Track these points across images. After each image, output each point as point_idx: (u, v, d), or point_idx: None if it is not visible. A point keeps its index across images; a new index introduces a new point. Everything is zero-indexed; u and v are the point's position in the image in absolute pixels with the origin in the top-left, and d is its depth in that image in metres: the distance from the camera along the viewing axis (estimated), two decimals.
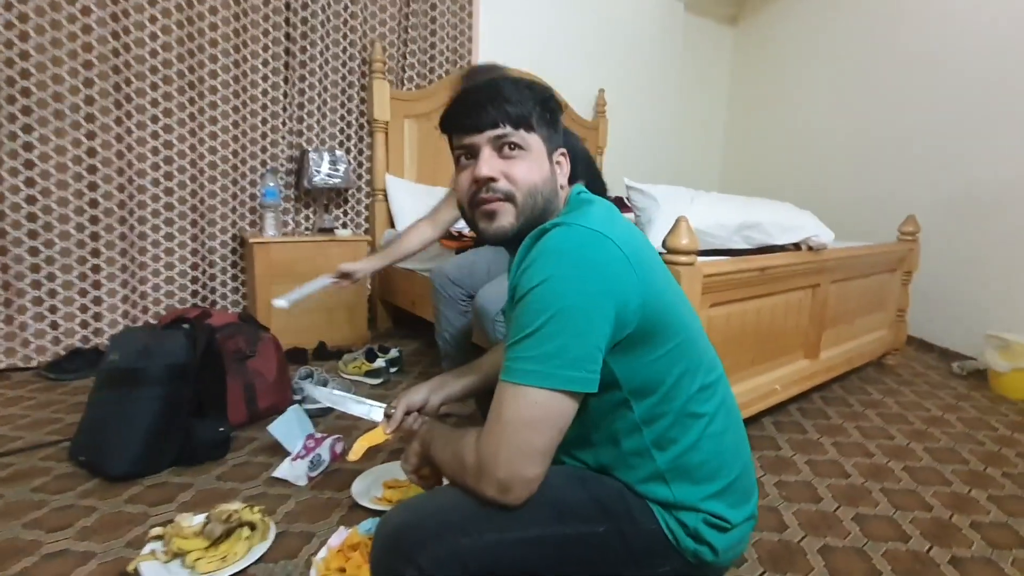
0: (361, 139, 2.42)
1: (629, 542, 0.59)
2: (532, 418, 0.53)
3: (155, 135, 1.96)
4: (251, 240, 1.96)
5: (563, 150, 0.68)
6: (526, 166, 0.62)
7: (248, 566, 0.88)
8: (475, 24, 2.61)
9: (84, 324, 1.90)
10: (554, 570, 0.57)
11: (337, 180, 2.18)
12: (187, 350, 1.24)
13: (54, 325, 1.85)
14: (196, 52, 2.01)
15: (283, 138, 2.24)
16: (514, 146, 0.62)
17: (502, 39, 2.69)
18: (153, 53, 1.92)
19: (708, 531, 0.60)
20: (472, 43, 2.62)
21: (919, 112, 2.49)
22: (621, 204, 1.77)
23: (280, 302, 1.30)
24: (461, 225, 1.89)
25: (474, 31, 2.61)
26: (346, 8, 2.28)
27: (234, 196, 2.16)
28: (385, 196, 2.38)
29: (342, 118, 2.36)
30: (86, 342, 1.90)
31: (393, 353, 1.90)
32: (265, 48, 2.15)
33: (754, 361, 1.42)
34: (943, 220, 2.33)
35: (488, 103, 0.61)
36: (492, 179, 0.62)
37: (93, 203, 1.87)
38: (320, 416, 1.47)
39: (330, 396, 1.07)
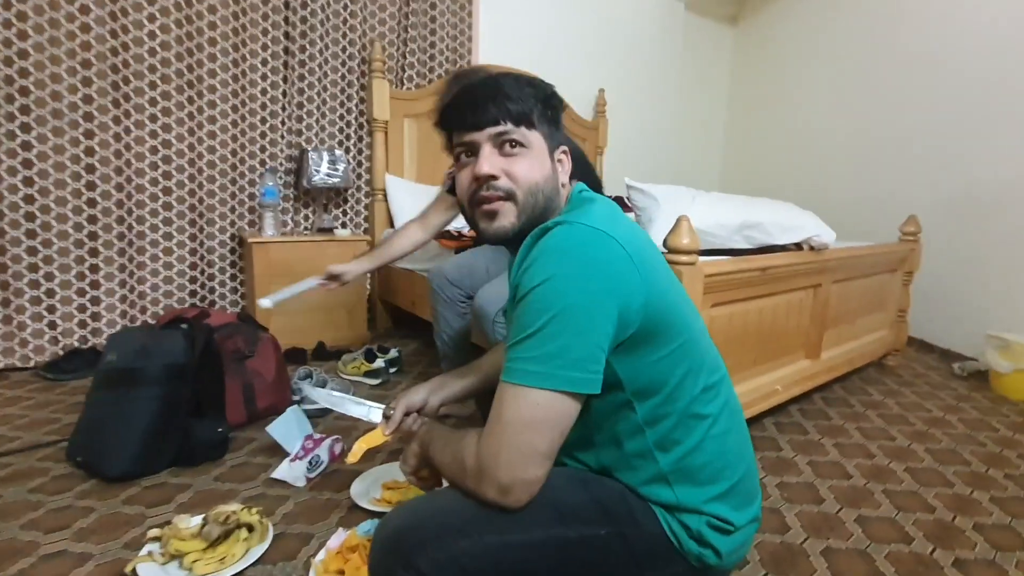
0: (360, 139, 2.41)
1: (631, 545, 0.59)
2: (534, 419, 0.52)
3: (154, 134, 1.96)
4: (250, 240, 1.95)
5: (564, 148, 0.67)
6: (527, 164, 0.62)
7: (246, 568, 0.88)
8: (475, 24, 2.61)
9: (82, 324, 1.89)
10: (555, 573, 0.57)
11: (336, 180, 2.17)
12: (185, 350, 1.23)
13: (52, 325, 1.84)
14: (195, 51, 2.00)
15: (282, 137, 2.23)
16: (515, 143, 0.61)
17: (502, 39, 2.68)
18: (152, 52, 1.92)
19: (712, 534, 0.59)
20: (472, 43, 2.61)
21: (919, 112, 2.49)
22: (621, 204, 1.76)
23: (265, 301, 1.29)
24: (460, 225, 1.89)
25: (474, 31, 2.61)
26: (345, 7, 2.28)
27: (233, 196, 2.16)
28: (385, 196, 2.38)
29: (341, 117, 2.36)
30: (84, 342, 1.89)
31: (392, 353, 1.90)
32: (264, 47, 2.14)
33: (755, 361, 1.42)
34: (943, 220, 2.33)
35: (489, 100, 0.60)
36: (493, 177, 0.61)
37: (91, 202, 1.86)
38: (319, 417, 1.47)
39: (328, 397, 1.07)
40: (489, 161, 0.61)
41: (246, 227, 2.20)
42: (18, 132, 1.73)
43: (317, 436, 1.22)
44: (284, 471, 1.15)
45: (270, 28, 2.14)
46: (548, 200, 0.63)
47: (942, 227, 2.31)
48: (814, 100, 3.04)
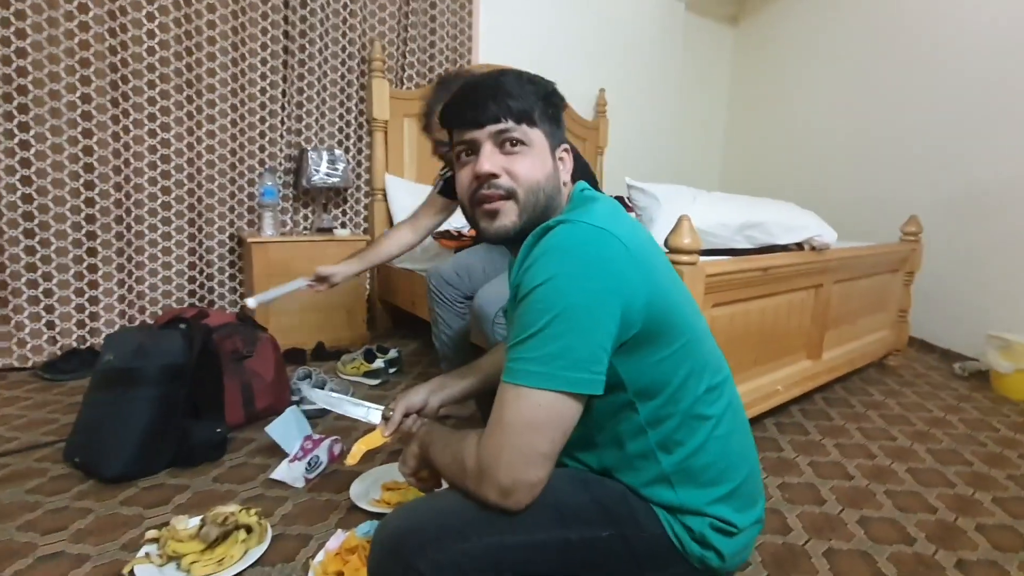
0: (360, 138, 2.41)
1: (633, 547, 0.58)
2: (535, 420, 0.52)
3: (152, 134, 1.95)
4: (249, 240, 1.95)
5: (566, 146, 0.67)
6: (528, 162, 0.61)
7: (244, 569, 0.87)
8: (475, 23, 2.60)
9: (80, 324, 1.88)
10: (556, 575, 0.56)
11: (336, 179, 2.16)
12: (183, 350, 1.22)
13: (50, 325, 1.83)
14: (194, 50, 1.99)
15: (281, 137, 2.23)
16: (516, 142, 0.61)
17: (502, 39, 2.68)
18: (150, 51, 1.91)
19: (714, 536, 0.59)
20: (472, 42, 2.61)
21: (919, 112, 2.49)
22: (622, 204, 1.75)
23: (251, 301, 1.28)
24: (460, 225, 1.88)
25: (474, 30, 2.61)
26: (345, 7, 2.27)
27: (232, 195, 2.15)
28: (384, 196, 2.37)
29: (341, 117, 2.35)
30: (83, 342, 1.89)
31: (392, 354, 1.89)
32: (264, 47, 2.13)
33: (756, 361, 1.41)
34: (944, 220, 2.32)
35: (490, 97, 0.60)
36: (494, 175, 0.60)
37: (90, 202, 1.85)
38: (318, 417, 1.46)
39: (327, 398, 1.06)
40: (490, 159, 0.60)
41: (245, 227, 2.19)
42: (16, 131, 1.72)
43: (316, 437, 1.22)
44: (283, 472, 1.15)
45: (269, 27, 2.13)
46: (549, 199, 0.63)
47: (943, 227, 2.31)
48: (814, 100, 3.03)
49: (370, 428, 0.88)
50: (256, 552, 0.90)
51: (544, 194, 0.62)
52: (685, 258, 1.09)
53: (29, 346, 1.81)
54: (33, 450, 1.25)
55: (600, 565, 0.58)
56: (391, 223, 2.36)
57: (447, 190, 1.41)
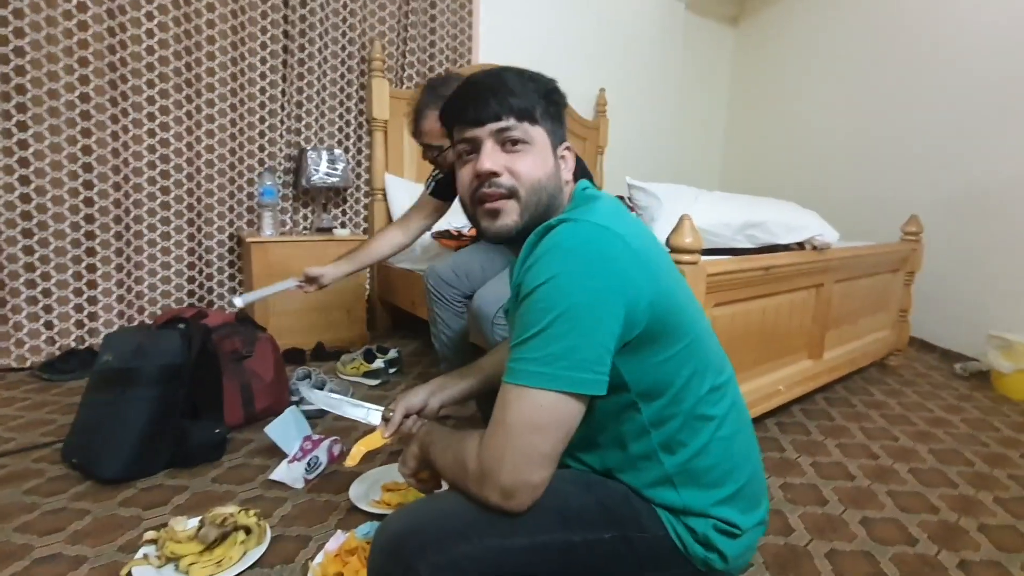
0: (360, 138, 2.40)
1: (636, 548, 0.58)
2: (538, 422, 0.51)
3: (151, 133, 1.94)
4: (248, 240, 1.94)
5: (568, 144, 0.66)
6: (530, 160, 0.60)
7: (243, 571, 0.87)
8: (475, 23, 2.60)
9: (79, 324, 1.87)
10: None
11: (336, 179, 2.16)
12: (182, 350, 1.22)
13: (49, 325, 1.83)
14: (193, 50, 1.99)
15: (281, 136, 2.22)
16: (517, 140, 0.60)
17: (502, 39, 2.67)
18: (149, 50, 1.90)
19: (718, 537, 0.58)
20: (472, 42, 2.60)
21: (920, 112, 2.49)
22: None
23: (238, 300, 1.27)
24: (461, 224, 1.88)
25: (474, 30, 2.60)
26: (345, 6, 2.27)
27: (231, 195, 2.14)
28: (384, 195, 2.37)
29: (341, 117, 2.35)
30: (81, 342, 1.88)
31: (392, 354, 1.89)
32: (263, 46, 2.13)
33: (758, 361, 1.41)
34: (944, 220, 2.32)
35: (491, 95, 0.59)
36: (495, 174, 0.60)
37: (88, 201, 1.85)
38: (318, 418, 1.45)
39: (327, 399, 1.05)
40: (491, 158, 0.60)
41: (244, 227, 2.19)
42: (14, 130, 1.72)
43: (316, 437, 1.21)
44: (282, 473, 1.14)
45: (269, 27, 2.13)
46: (551, 198, 0.62)
47: (943, 227, 2.31)
48: (814, 100, 3.03)
49: (370, 429, 0.87)
50: (255, 553, 0.89)
51: (546, 193, 0.61)
52: (687, 257, 1.08)
53: (27, 346, 1.80)
54: (31, 451, 1.24)
55: (602, 567, 0.57)
56: (391, 223, 2.35)
57: (439, 191, 1.40)
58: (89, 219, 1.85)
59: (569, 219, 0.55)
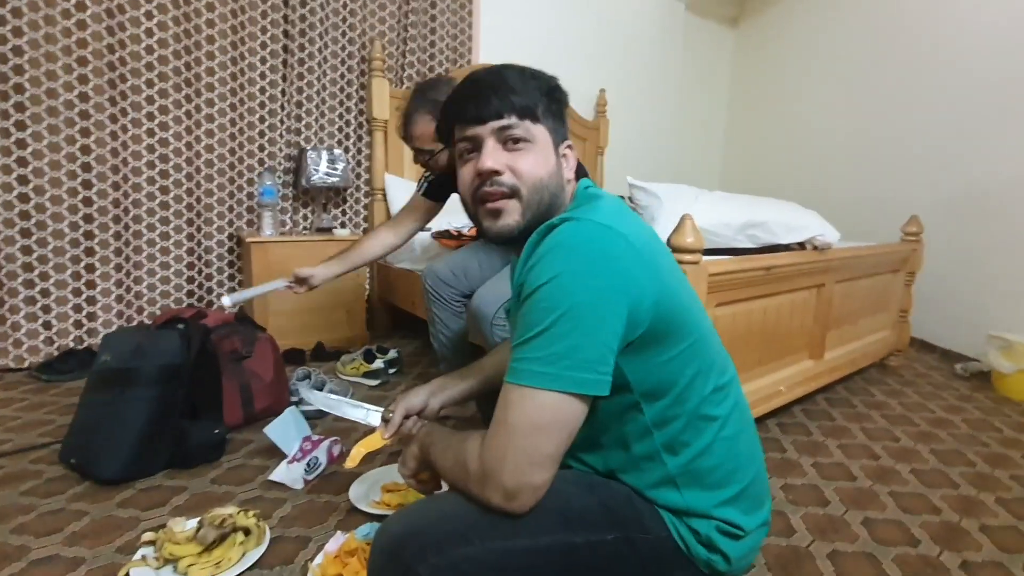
0: (360, 138, 2.40)
1: (639, 550, 0.57)
2: (541, 422, 0.51)
3: (151, 133, 1.94)
4: (248, 240, 1.93)
5: (569, 142, 0.66)
6: (532, 159, 0.60)
7: (242, 572, 0.86)
8: (475, 23, 2.60)
9: (78, 324, 1.87)
10: None
11: (336, 179, 2.15)
12: (181, 350, 1.21)
13: (47, 325, 1.82)
14: (192, 49, 1.98)
15: (281, 136, 2.22)
16: (519, 138, 0.60)
17: (502, 39, 2.67)
18: (149, 50, 1.90)
19: (721, 539, 0.58)
20: (472, 42, 2.60)
21: (920, 112, 2.49)
22: None
23: (226, 300, 1.26)
24: (461, 224, 1.87)
25: (474, 30, 2.60)
26: (345, 6, 2.26)
27: (231, 195, 2.14)
28: (384, 196, 2.36)
29: (341, 116, 2.34)
30: (80, 343, 1.87)
31: (392, 354, 1.88)
32: (263, 45, 2.12)
33: (759, 362, 1.40)
34: (945, 220, 2.32)
35: (492, 92, 0.59)
36: (496, 172, 0.59)
37: (87, 201, 1.84)
38: (317, 418, 1.45)
39: (326, 400, 1.05)
40: (493, 156, 0.59)
41: (244, 227, 2.18)
42: (13, 129, 1.71)
43: (315, 438, 1.21)
44: (282, 473, 1.14)
45: (269, 26, 2.12)
46: (553, 196, 0.62)
47: (944, 227, 2.30)
48: (814, 101, 3.03)
49: (370, 430, 0.87)
50: (254, 554, 0.89)
51: (548, 192, 0.61)
52: (688, 257, 1.08)
53: (25, 347, 1.79)
54: (28, 452, 1.24)
55: (605, 569, 0.57)
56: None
57: (431, 192, 1.40)
58: (88, 219, 1.84)
59: (571, 218, 0.54)
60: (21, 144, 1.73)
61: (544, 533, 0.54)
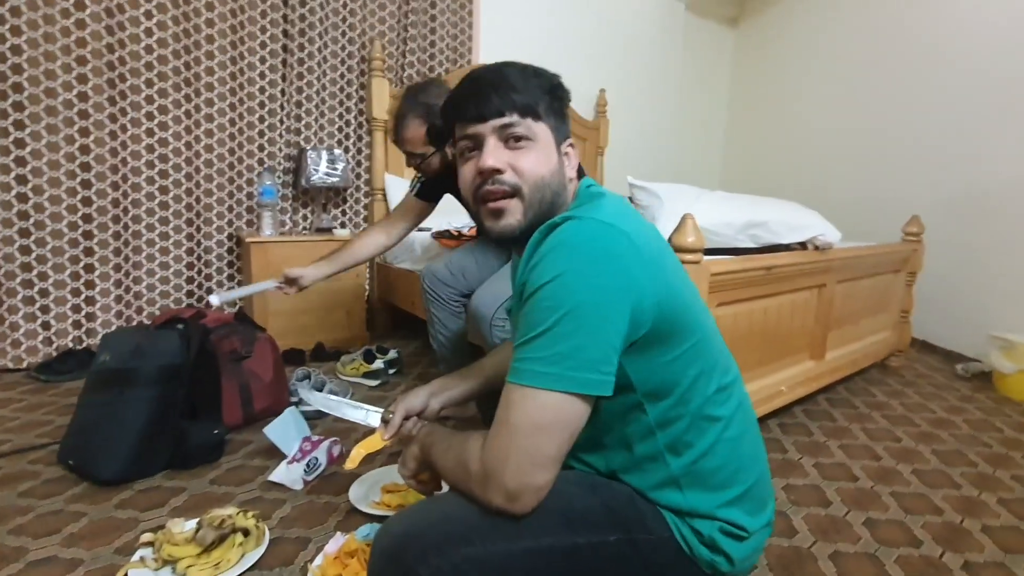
0: (360, 138, 2.39)
1: (641, 551, 0.57)
2: (543, 423, 0.50)
3: (150, 132, 1.93)
4: (248, 240, 1.93)
5: (571, 141, 0.65)
6: (533, 157, 0.60)
7: (242, 573, 0.85)
8: (475, 23, 2.60)
9: (77, 324, 1.86)
10: None
11: (335, 179, 2.15)
12: (180, 350, 1.21)
13: (46, 325, 1.81)
14: (192, 49, 1.98)
15: (281, 136, 2.21)
16: (521, 136, 0.59)
17: (502, 39, 2.67)
18: (148, 49, 1.89)
19: (724, 540, 0.57)
20: (472, 42, 2.60)
21: (920, 112, 2.48)
22: None
23: (214, 299, 1.26)
24: (461, 224, 1.87)
25: (474, 30, 2.60)
26: (345, 6, 2.26)
27: (231, 195, 2.13)
28: (384, 196, 2.36)
29: (341, 116, 2.34)
30: (79, 343, 1.87)
31: (392, 354, 1.88)
32: (263, 45, 2.12)
33: (760, 362, 1.40)
34: (946, 220, 2.32)
35: (493, 90, 0.58)
36: (498, 171, 0.59)
37: (87, 201, 1.84)
38: (317, 418, 1.44)
39: (325, 401, 1.04)
40: (494, 155, 0.59)
41: (244, 227, 2.18)
42: (11, 129, 1.71)
43: (315, 438, 1.20)
44: (281, 474, 1.13)
45: (268, 26, 2.12)
46: (555, 195, 0.61)
47: (944, 227, 2.30)
48: (814, 101, 3.03)
49: (369, 431, 0.86)
50: (253, 556, 0.88)
51: (550, 190, 0.61)
52: (689, 257, 1.07)
53: (24, 347, 1.79)
54: (27, 452, 1.23)
55: (607, 570, 0.56)
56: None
57: (424, 192, 1.39)
58: (87, 219, 1.84)
59: (574, 216, 0.54)
60: (20, 144, 1.72)
61: (546, 534, 0.54)
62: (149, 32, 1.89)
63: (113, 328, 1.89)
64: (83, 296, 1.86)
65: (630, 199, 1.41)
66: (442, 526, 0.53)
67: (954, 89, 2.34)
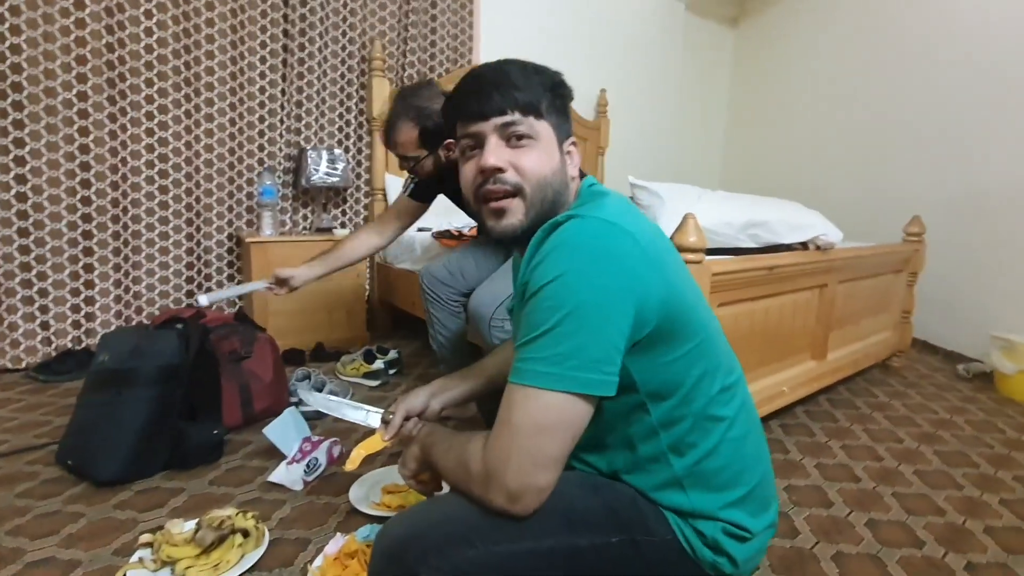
0: (360, 138, 2.39)
1: (644, 552, 0.56)
2: (545, 423, 0.50)
3: (150, 132, 1.93)
4: (248, 240, 1.92)
5: (573, 139, 0.65)
6: (535, 156, 0.59)
7: (241, 574, 0.85)
8: (475, 23, 2.59)
9: (76, 324, 1.86)
10: None
11: (336, 179, 2.15)
12: (179, 350, 1.20)
13: (45, 325, 1.81)
14: (192, 48, 1.98)
15: (281, 136, 2.21)
16: (522, 135, 0.59)
17: (502, 39, 2.67)
18: (148, 49, 1.89)
19: (727, 541, 0.57)
20: (472, 42, 2.60)
21: (921, 112, 2.48)
22: None
23: (202, 299, 1.26)
24: (461, 224, 1.86)
25: (474, 30, 2.60)
26: (345, 6, 2.26)
27: (231, 195, 2.13)
28: (384, 196, 2.35)
29: (341, 116, 2.34)
30: (78, 343, 1.86)
31: (392, 354, 1.87)
32: (263, 45, 2.12)
33: (762, 362, 1.40)
34: (946, 220, 2.31)
35: (495, 89, 0.58)
36: (499, 169, 0.58)
37: (86, 201, 1.83)
38: (317, 419, 1.44)
39: (325, 402, 1.04)
40: (495, 153, 0.58)
41: (244, 227, 2.17)
42: (11, 129, 1.70)
43: (315, 438, 1.20)
44: (281, 474, 1.13)
45: (269, 25, 2.12)
46: (557, 194, 0.61)
47: (945, 227, 2.30)
48: (815, 101, 3.03)
49: (370, 432, 0.86)
50: (253, 557, 0.88)
51: (552, 189, 0.60)
52: (691, 256, 1.07)
53: (23, 347, 1.78)
54: (25, 453, 1.22)
55: (609, 571, 0.56)
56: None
57: (417, 193, 1.39)
58: (86, 219, 1.84)
59: (577, 215, 0.53)
60: (19, 143, 1.72)
61: (548, 535, 0.53)
62: (149, 32, 1.88)
63: (112, 328, 1.89)
64: (82, 296, 1.86)
65: (631, 199, 1.41)
66: (443, 527, 0.53)
67: (954, 89, 2.34)
